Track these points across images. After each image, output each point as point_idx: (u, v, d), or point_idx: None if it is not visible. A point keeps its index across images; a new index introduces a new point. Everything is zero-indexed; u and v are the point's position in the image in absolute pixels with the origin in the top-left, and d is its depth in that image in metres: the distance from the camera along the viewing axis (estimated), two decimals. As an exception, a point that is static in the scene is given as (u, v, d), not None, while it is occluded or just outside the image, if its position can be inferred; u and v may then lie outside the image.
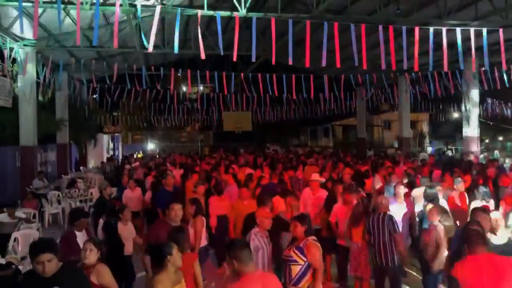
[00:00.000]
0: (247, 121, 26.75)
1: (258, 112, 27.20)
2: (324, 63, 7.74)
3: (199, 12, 8.69)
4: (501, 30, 8.09)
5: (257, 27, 8.76)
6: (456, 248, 4.63)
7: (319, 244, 4.49)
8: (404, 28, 8.06)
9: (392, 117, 36.86)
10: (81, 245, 4.55)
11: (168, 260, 3.78)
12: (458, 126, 20.88)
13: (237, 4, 11.55)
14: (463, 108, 19.36)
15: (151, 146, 31.86)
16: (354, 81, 16.84)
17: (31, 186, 13.28)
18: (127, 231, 6.32)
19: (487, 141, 34.31)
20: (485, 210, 5.20)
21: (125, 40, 16.15)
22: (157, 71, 16.63)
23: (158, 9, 7.05)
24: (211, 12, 9.72)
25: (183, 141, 35.54)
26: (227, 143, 31.03)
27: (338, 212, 6.65)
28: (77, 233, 5.53)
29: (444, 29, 8.25)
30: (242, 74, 15.08)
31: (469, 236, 3.86)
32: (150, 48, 7.27)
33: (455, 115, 32.70)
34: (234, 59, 8.15)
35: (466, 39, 10.13)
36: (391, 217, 5.81)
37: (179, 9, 8.12)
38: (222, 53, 8.34)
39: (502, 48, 8.00)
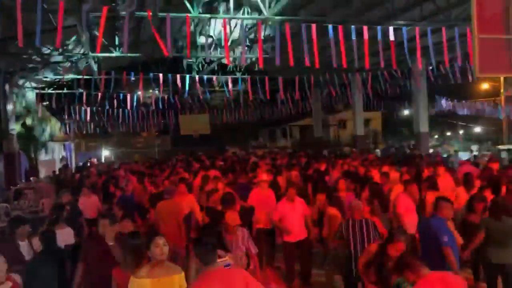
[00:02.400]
0: (205, 124, 26.58)
1: (216, 114, 27.09)
2: (278, 63, 7.82)
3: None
4: (443, 29, 8.46)
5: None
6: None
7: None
8: (353, 28, 8.25)
9: (347, 116, 37.78)
10: (25, 255, 4.31)
11: None
12: (410, 123, 21.75)
13: (189, 7, 11.48)
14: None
15: (106, 153, 30.97)
16: (308, 83, 17.07)
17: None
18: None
19: (436, 136, 35.82)
20: (447, 199, 5.39)
21: (74, 44, 15.64)
22: (109, 75, 16.23)
23: (104, 10, 6.86)
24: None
25: (140, 147, 34.80)
26: (185, 147, 30.68)
27: (283, 209, 6.72)
28: (20, 243, 5.24)
29: (391, 29, 8.52)
30: (197, 77, 14.94)
31: (407, 264, 3.74)
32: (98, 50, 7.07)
33: (406, 112, 33.97)
34: (188, 55, 8.04)
35: (413, 38, 10.55)
36: (373, 224, 5.65)
37: (167, 14, 7.94)
38: (171, 55, 8.20)
39: (445, 47, 8.37)
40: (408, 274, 3.65)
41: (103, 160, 28.08)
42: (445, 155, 17.34)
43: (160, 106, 20.85)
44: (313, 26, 8.26)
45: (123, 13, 9.02)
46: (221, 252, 4.32)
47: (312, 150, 26.14)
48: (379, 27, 8.52)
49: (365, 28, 8.35)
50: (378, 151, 24.38)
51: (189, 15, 9.45)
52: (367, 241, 5.41)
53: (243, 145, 35.55)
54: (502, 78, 24.59)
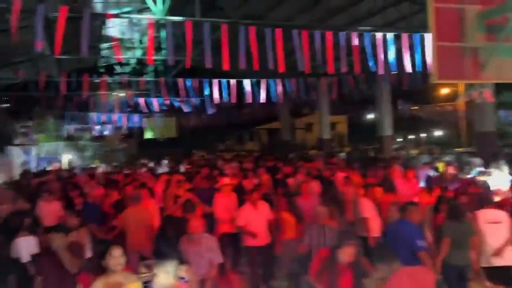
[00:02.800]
0: (171, 127, 26.23)
1: (183, 117, 26.76)
2: (243, 66, 7.80)
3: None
4: (404, 36, 8.67)
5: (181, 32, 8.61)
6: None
7: None
8: (317, 33, 8.34)
9: (313, 120, 38.25)
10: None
11: None
12: (375, 126, 22.29)
13: (153, 8, 11.29)
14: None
15: (69, 157, 30.01)
16: (274, 87, 17.12)
17: None
18: None
19: (399, 139, 36.79)
20: (415, 203, 5.52)
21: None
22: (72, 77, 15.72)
23: (63, 10, 6.62)
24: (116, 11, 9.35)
25: (105, 151, 33.94)
26: (151, 151, 30.16)
27: (246, 213, 6.69)
28: None
29: (354, 34, 8.66)
30: (162, 79, 14.73)
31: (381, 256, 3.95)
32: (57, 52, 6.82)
33: (371, 116, 34.73)
34: (149, 62, 7.89)
35: (378, 44, 10.77)
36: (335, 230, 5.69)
37: (86, 11, 7.69)
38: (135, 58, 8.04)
39: (405, 53, 8.59)
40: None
41: (65, 165, 27.18)
42: (409, 158, 17.81)
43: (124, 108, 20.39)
44: (278, 30, 8.28)
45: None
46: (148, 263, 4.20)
47: (279, 153, 26.30)
48: (341, 33, 8.62)
49: (328, 33, 8.44)
50: (342, 154, 24.75)
51: (150, 17, 9.27)
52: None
53: (211, 149, 35.33)
54: (462, 83, 25.55)
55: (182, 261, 4.45)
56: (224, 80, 13.02)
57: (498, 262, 5.76)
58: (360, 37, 9.74)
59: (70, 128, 26.29)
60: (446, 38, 5.46)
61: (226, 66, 7.61)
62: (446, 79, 5.61)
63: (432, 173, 11.28)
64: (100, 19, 13.02)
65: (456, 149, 22.74)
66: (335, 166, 13.12)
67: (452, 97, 30.46)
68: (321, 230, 5.61)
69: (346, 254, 3.99)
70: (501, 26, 5.72)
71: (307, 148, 34.43)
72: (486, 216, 5.90)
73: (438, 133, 36.38)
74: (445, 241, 5.60)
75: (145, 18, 9.12)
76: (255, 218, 6.61)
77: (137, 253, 6.32)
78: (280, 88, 13.83)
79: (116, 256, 3.84)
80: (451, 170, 10.35)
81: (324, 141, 25.20)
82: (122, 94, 20.39)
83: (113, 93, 21.06)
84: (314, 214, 5.91)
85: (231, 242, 7.42)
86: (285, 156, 23.00)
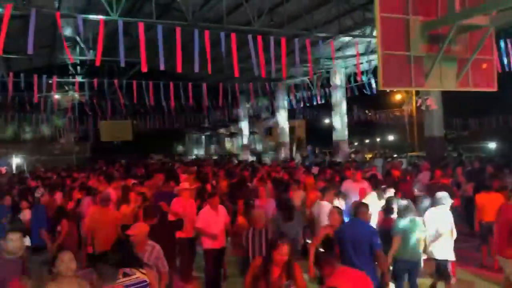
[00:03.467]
0: (127, 130, 25.66)
1: (139, 120, 26.27)
2: (197, 69, 7.77)
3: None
4: (356, 43, 8.94)
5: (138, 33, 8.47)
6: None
7: None
8: (271, 38, 8.45)
9: (273, 124, 38.54)
10: None
11: None
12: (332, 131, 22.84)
13: (108, 9, 11.05)
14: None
15: (17, 160, 28.69)
16: (233, 91, 17.21)
17: None
18: None
19: (356, 143, 37.77)
20: (365, 204, 5.69)
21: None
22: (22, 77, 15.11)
23: (7, 8, 6.36)
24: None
25: (57, 154, 32.65)
26: (106, 155, 29.34)
27: (206, 217, 6.66)
28: None
29: (308, 42, 8.84)
30: (116, 81, 14.39)
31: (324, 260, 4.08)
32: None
33: (328, 121, 35.46)
34: (97, 63, 7.72)
35: (333, 50, 11.06)
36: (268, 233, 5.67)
37: (33, 8, 7.42)
38: (90, 58, 7.84)
39: (358, 60, 8.85)
40: (326, 269, 3.95)
41: (14, 168, 25.95)
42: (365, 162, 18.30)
43: (77, 111, 19.76)
44: (233, 34, 8.32)
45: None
46: (131, 270, 4.09)
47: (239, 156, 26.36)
48: (296, 39, 8.78)
49: (283, 39, 8.57)
50: (298, 156, 25.13)
51: (103, 18, 9.07)
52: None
53: (169, 152, 34.87)
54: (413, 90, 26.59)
55: (141, 264, 4.36)
56: (180, 83, 12.87)
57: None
58: (316, 43, 9.97)
59: (18, 129, 25.18)
60: (391, 47, 5.68)
61: (179, 68, 7.54)
62: (391, 86, 5.82)
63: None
64: (52, 18, 12.55)
65: (409, 153, 23.58)
66: (293, 169, 13.28)
67: (407, 104, 31.63)
68: (260, 234, 5.69)
69: (281, 253, 4.02)
70: (443, 37, 6.01)
71: (267, 152, 34.65)
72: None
73: (392, 137, 37.64)
74: (396, 240, 5.82)
75: (96, 18, 8.86)
76: (215, 221, 6.58)
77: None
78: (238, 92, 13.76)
79: (65, 261, 3.71)
80: (393, 172, 10.77)
81: (284, 145, 25.50)
82: (76, 95, 19.81)
83: (66, 95, 20.42)
84: (253, 218, 5.95)
85: (189, 246, 7.32)
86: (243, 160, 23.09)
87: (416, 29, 5.95)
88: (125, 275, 3.90)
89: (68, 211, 7.73)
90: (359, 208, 5.51)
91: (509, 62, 12.52)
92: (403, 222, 5.93)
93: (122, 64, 8.70)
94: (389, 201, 6.82)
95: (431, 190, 8.47)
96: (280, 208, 7.17)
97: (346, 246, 5.10)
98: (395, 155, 22.87)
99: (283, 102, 24.18)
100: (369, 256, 5.09)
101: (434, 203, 6.31)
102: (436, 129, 16.41)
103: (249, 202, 7.54)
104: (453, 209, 6.50)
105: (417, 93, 19.20)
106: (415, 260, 5.95)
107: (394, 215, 6.40)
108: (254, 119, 36.49)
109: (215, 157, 30.62)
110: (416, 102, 19.42)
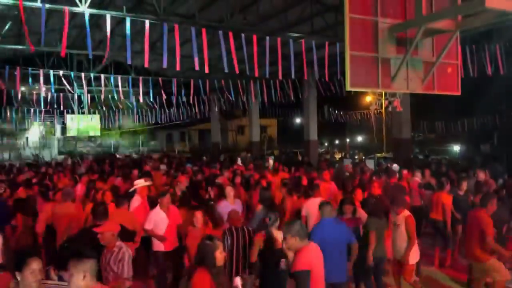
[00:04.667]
0: (95, 125, 25.06)
1: (108, 115, 25.72)
2: (165, 64, 7.63)
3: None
4: (326, 45, 8.99)
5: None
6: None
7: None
8: (242, 36, 8.39)
9: (244, 122, 38.58)
10: None
11: None
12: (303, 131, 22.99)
13: (77, 0, 10.73)
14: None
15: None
16: (204, 87, 17.04)
17: None
18: None
19: (326, 143, 38.21)
20: (329, 203, 5.78)
21: None
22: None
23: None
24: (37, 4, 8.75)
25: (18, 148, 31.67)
26: (72, 150, 28.63)
27: (156, 217, 6.51)
28: None
29: (278, 40, 8.82)
30: (83, 75, 14.01)
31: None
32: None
33: (299, 120, 35.74)
34: (62, 54, 7.48)
35: (305, 50, 11.08)
36: (252, 231, 5.80)
37: None
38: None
39: (326, 61, 8.91)
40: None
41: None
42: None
43: (42, 104, 19.13)
44: (203, 30, 8.22)
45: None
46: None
47: (209, 154, 26.18)
48: (267, 37, 8.75)
49: (254, 37, 8.53)
50: (272, 157, 25.17)
51: (67, 8, 8.77)
52: (247, 248, 5.59)
53: (138, 149, 34.31)
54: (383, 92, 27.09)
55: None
56: (150, 78, 12.64)
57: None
58: (287, 43, 9.96)
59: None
60: (359, 48, 5.72)
61: (146, 63, 7.39)
62: (358, 87, 5.85)
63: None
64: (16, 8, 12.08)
65: (377, 154, 24.01)
66: (262, 169, 13.27)
67: (374, 105, 32.22)
68: (235, 232, 5.71)
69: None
70: (410, 40, 6.10)
71: (238, 150, 34.64)
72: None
73: (360, 138, 38.27)
74: (372, 237, 5.97)
75: (60, 7, 8.57)
76: (165, 223, 6.42)
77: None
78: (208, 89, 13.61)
79: (35, 271, 3.38)
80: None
81: (254, 144, 25.48)
82: (42, 88, 19.16)
83: (32, 87, 19.72)
84: (228, 217, 5.97)
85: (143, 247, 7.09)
86: (214, 158, 22.96)
87: (384, 31, 6.01)
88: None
89: (24, 205, 7.43)
90: (327, 207, 5.56)
91: (473, 67, 12.90)
92: (376, 219, 6.08)
93: (90, 57, 8.46)
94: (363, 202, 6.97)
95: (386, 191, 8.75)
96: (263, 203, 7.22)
97: (327, 245, 5.06)
98: (363, 157, 23.22)
99: (254, 100, 24.14)
100: (344, 252, 5.35)
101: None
102: (403, 131, 16.77)
103: (210, 202, 7.50)
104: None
105: (386, 94, 19.57)
106: (383, 256, 6.11)
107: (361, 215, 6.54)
108: (226, 117, 36.44)
109: (187, 155, 30.29)
110: (384, 103, 19.85)
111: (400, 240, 6.11)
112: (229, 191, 7.45)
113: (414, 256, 6.12)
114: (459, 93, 6.90)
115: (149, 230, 6.42)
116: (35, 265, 3.43)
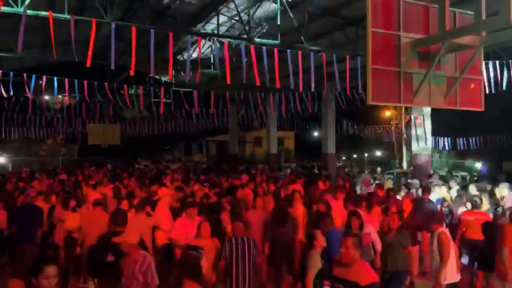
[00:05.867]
0: (115, 134, 25.47)
1: (128, 125, 26.10)
2: (188, 76, 7.75)
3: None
4: (347, 58, 8.99)
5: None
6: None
7: None
8: (264, 49, 8.47)
9: (262, 134, 38.58)
10: None
11: None
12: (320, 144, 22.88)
13: (102, 12, 11.02)
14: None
15: (1, 160, 28.28)
16: (224, 99, 17.19)
17: None
18: None
19: (344, 158, 37.91)
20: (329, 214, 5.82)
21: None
22: (14, 77, 14.91)
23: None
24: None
25: (43, 155, 32.26)
26: (94, 158, 29.07)
27: (182, 227, 6.55)
28: None
29: (299, 53, 8.87)
30: (106, 84, 14.30)
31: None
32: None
33: (317, 133, 35.58)
34: (88, 64, 7.68)
35: (322, 64, 11.10)
36: (254, 242, 5.84)
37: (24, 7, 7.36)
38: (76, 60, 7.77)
39: (347, 75, 8.91)
40: None
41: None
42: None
43: (65, 112, 19.54)
44: (225, 43, 8.33)
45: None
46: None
47: (227, 165, 26.26)
48: (288, 51, 8.81)
49: (275, 50, 8.61)
50: (288, 169, 25.08)
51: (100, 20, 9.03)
52: (248, 259, 5.68)
53: (156, 158, 34.60)
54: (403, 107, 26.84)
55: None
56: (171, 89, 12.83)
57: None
58: (307, 56, 9.99)
59: (4, 129, 24.87)
60: (381, 62, 5.73)
61: (170, 75, 7.51)
62: (379, 101, 5.85)
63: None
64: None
65: (397, 170, 23.66)
66: (280, 181, 13.23)
67: (395, 120, 31.87)
68: (239, 243, 5.73)
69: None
70: (432, 55, 6.08)
71: (255, 162, 34.63)
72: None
73: (379, 153, 37.85)
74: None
75: (88, 19, 8.81)
76: (190, 232, 6.44)
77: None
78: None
79: (49, 276, 3.31)
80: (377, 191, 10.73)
81: (271, 156, 25.45)
82: (65, 97, 19.61)
83: (56, 96, 20.21)
84: (232, 228, 6.02)
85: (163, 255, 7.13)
86: (232, 169, 22.99)
87: (406, 45, 6.01)
88: None
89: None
90: (328, 219, 5.63)
91: (496, 83, 12.72)
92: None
93: (112, 67, 8.63)
94: None
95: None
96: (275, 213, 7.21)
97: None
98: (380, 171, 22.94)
99: (272, 113, 24.18)
100: None
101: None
102: (422, 146, 16.52)
103: (238, 212, 7.52)
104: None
105: (406, 109, 19.38)
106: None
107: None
108: (244, 129, 36.57)
109: (204, 165, 30.41)
110: (405, 118, 19.69)
111: (435, 257, 6.00)
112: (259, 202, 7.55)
113: (447, 276, 5.87)
114: (482, 109, 6.81)
115: (174, 239, 6.47)
116: (50, 270, 3.37)
